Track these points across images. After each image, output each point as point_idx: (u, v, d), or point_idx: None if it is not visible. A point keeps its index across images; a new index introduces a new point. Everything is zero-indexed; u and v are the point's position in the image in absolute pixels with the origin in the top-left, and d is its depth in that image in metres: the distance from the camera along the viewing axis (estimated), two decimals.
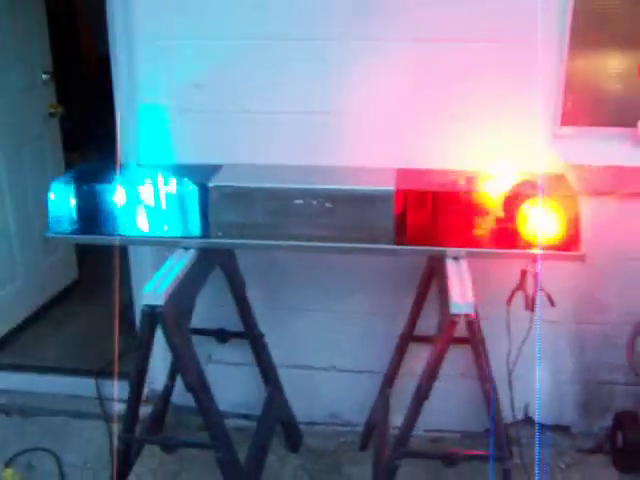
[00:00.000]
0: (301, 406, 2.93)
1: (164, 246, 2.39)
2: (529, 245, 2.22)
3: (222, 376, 2.96)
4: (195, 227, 2.31)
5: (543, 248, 2.21)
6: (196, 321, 2.76)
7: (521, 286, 2.44)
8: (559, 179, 2.36)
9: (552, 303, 2.47)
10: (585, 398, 2.84)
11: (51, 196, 2.34)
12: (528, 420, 2.89)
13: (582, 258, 2.20)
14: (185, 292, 2.18)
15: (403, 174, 2.37)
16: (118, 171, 2.43)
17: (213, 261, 2.48)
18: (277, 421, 2.75)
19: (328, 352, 2.89)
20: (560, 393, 2.84)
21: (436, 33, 2.41)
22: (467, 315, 1.99)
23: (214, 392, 3.00)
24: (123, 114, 2.68)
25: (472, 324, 2.01)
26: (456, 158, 2.51)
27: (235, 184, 2.28)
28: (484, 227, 2.25)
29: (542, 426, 2.90)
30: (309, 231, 2.26)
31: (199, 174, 2.37)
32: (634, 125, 2.54)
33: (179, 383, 2.87)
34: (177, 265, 2.22)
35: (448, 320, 2.01)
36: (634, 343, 2.60)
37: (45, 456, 2.82)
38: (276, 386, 2.80)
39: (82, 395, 3.06)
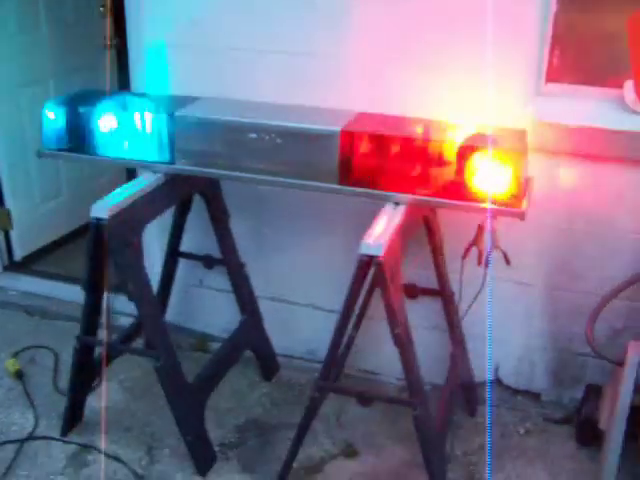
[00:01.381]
0: (281, 339, 3.05)
1: (131, 167, 2.55)
2: (474, 198, 2.21)
3: (212, 301, 3.15)
4: (164, 153, 2.47)
5: (485, 202, 2.19)
6: (187, 246, 2.97)
7: (476, 241, 2.43)
8: (518, 135, 2.30)
9: (508, 261, 2.45)
10: (557, 367, 2.77)
11: (46, 115, 2.57)
12: (498, 382, 2.87)
13: (522, 216, 2.15)
14: (137, 210, 2.34)
15: (362, 117, 2.39)
16: (106, 97, 2.63)
17: (188, 188, 2.63)
18: (244, 348, 2.89)
19: (307, 289, 2.98)
20: (532, 358, 2.79)
21: None
22: (376, 257, 2.02)
23: (203, 316, 3.21)
24: (133, 48, 2.86)
25: (381, 267, 2.03)
26: (430, 107, 2.48)
27: (197, 115, 2.40)
28: (432, 176, 2.25)
29: (513, 390, 2.87)
30: (261, 165, 2.35)
31: (180, 104, 2.51)
32: (621, 86, 2.41)
33: (172, 302, 3.09)
34: (137, 186, 2.39)
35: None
36: (595, 319, 2.50)
37: (48, 354, 3.13)
38: (253, 315, 2.94)
39: None
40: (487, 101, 2.46)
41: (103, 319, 3.19)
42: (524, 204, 2.17)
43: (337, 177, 2.27)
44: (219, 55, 2.71)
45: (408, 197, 2.24)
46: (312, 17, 2.55)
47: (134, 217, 2.34)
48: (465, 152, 2.18)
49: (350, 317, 2.19)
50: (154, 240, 3.07)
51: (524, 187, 2.21)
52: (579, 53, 2.50)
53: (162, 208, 2.52)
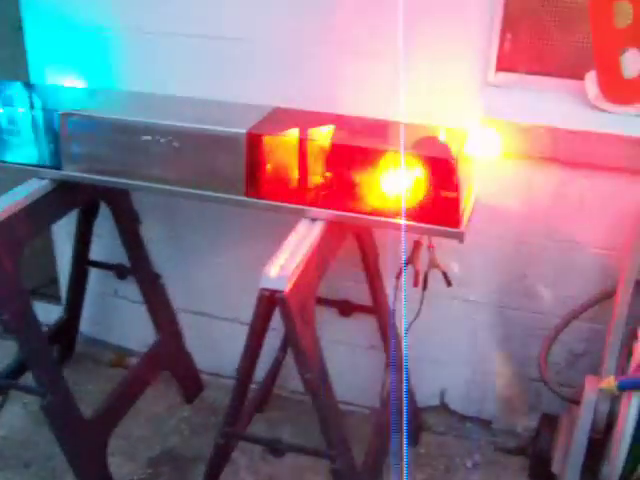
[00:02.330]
0: (206, 356, 2.73)
1: (13, 171, 2.18)
2: (405, 214, 1.87)
3: (129, 313, 2.81)
4: (49, 156, 2.11)
5: (417, 219, 1.85)
6: (100, 253, 2.63)
7: (412, 259, 2.10)
8: (458, 137, 1.95)
9: (448, 283, 2.11)
10: (509, 393, 2.46)
11: None
12: (445, 407, 2.56)
13: (460, 237, 1.82)
14: (14, 226, 1.97)
15: (278, 114, 2.04)
16: None
17: (88, 194, 2.27)
18: (161, 368, 2.56)
19: (231, 302, 2.63)
20: (482, 383, 2.47)
21: None
22: (277, 292, 1.69)
23: (121, 328, 2.89)
24: (29, 29, 2.48)
25: (285, 304, 1.69)
26: (359, 102, 2.14)
27: (83, 112, 2.04)
28: (355, 187, 1.91)
29: (460, 416, 2.57)
30: (158, 171, 2.00)
31: (72, 99, 2.16)
32: (583, 77, 2.06)
33: (86, 313, 2.77)
34: (17, 196, 2.03)
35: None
36: (550, 347, 2.19)
37: None
38: (171, 332, 2.61)
39: None
40: (426, 94, 2.11)
41: None
42: (463, 223, 1.83)
43: (243, 187, 1.92)
44: (122, 38, 2.33)
45: (325, 212, 1.90)
46: None
47: (9, 234, 1.98)
48: (395, 159, 1.83)
49: (254, 361, 1.87)
50: (64, 246, 2.73)
51: (465, 201, 1.89)
52: (535, 37, 2.14)
53: (52, 219, 2.18)
